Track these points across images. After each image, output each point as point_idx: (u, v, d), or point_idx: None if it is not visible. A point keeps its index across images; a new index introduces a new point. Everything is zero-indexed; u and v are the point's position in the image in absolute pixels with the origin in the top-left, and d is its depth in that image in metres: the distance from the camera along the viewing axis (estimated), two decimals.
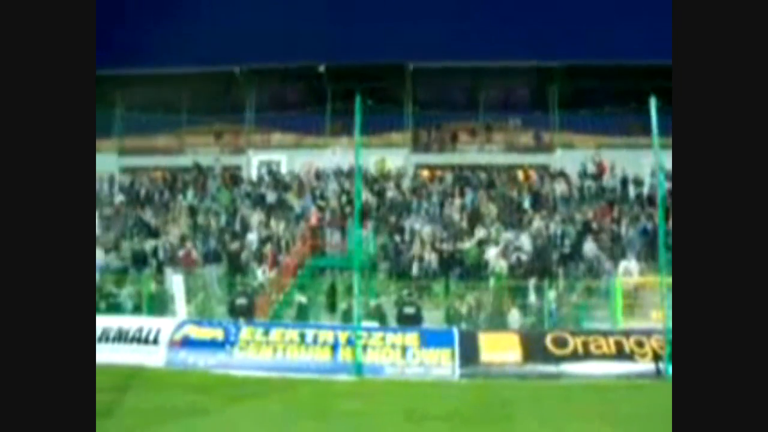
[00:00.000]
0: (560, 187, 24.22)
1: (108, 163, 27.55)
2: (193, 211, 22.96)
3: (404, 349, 12.53)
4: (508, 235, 19.95)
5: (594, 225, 21.34)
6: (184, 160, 28.82)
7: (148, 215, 23.20)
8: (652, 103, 13.05)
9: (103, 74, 27.03)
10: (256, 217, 21.72)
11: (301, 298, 15.49)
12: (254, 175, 27.12)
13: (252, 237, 20.26)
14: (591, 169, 25.81)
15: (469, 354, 12.51)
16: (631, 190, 23.96)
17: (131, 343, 12.96)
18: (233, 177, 26.19)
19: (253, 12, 63.15)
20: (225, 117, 30.57)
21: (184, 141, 30.14)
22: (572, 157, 26.85)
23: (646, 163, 25.94)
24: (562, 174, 25.53)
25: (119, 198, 24.78)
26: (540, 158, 27.85)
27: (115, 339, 12.96)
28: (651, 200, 23.59)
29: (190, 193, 24.71)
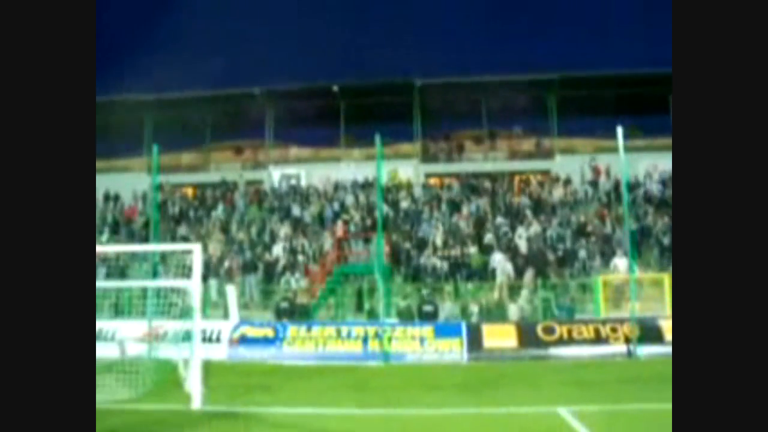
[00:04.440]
0: (558, 192, 27.80)
1: (139, 181, 31.39)
2: (225, 226, 26.71)
3: (422, 340, 16.20)
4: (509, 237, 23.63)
5: (589, 227, 24.90)
6: (209, 176, 32.71)
7: (183, 230, 26.89)
8: (619, 131, 16.56)
9: (134, 98, 31.02)
10: (283, 230, 25.45)
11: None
12: (276, 188, 30.84)
13: (282, 248, 23.99)
14: (588, 173, 29.39)
15: (474, 342, 16.14)
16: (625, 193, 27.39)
17: None
18: (258, 192, 29.90)
19: (272, 37, 69.21)
20: (246, 134, 34.46)
21: (208, 158, 33.98)
22: (572, 162, 30.41)
23: (641, 165, 29.53)
24: (561, 179, 29.09)
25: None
26: (541, 164, 31.43)
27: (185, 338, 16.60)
28: (647, 201, 27.22)
29: (219, 208, 28.43)
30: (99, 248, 13.72)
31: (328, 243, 23.95)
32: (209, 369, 14.29)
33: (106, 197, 30.54)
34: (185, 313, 11.94)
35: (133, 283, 16.33)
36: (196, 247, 11.21)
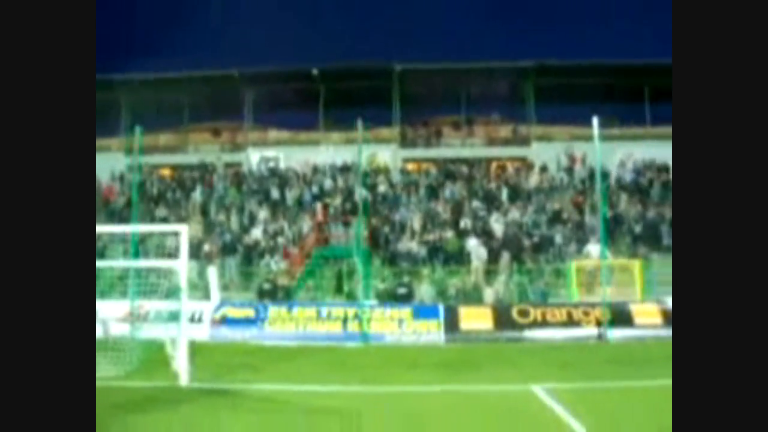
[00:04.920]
0: (534, 179, 28.40)
1: (117, 161, 31.42)
2: (204, 208, 26.89)
3: (400, 321, 16.68)
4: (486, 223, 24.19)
5: (564, 214, 25.54)
6: (187, 158, 32.81)
7: (162, 212, 27.00)
8: (595, 121, 17.10)
9: (112, 78, 30.87)
10: (263, 213, 25.73)
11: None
12: (254, 171, 31.03)
13: (262, 231, 24.28)
14: (563, 160, 30.03)
15: (451, 324, 16.66)
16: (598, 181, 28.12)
17: None
18: (237, 174, 30.09)
19: (252, 19, 69.50)
20: (224, 116, 34.51)
21: (186, 139, 34.02)
22: (548, 149, 31.03)
23: (616, 154, 30.24)
24: (538, 166, 29.70)
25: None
26: (518, 151, 32.02)
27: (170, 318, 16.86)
28: (620, 189, 27.91)
29: (198, 190, 28.57)
30: None
31: (307, 226, 24.30)
32: (193, 348, 14.63)
33: None
34: (170, 293, 12.24)
35: (121, 263, 16.45)
36: (183, 228, 11.51)
